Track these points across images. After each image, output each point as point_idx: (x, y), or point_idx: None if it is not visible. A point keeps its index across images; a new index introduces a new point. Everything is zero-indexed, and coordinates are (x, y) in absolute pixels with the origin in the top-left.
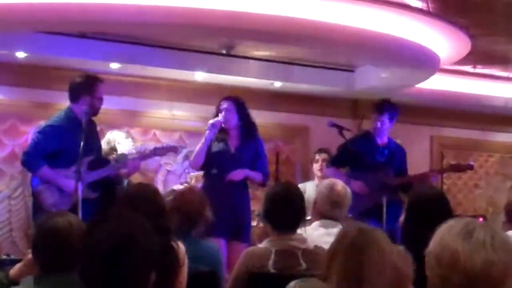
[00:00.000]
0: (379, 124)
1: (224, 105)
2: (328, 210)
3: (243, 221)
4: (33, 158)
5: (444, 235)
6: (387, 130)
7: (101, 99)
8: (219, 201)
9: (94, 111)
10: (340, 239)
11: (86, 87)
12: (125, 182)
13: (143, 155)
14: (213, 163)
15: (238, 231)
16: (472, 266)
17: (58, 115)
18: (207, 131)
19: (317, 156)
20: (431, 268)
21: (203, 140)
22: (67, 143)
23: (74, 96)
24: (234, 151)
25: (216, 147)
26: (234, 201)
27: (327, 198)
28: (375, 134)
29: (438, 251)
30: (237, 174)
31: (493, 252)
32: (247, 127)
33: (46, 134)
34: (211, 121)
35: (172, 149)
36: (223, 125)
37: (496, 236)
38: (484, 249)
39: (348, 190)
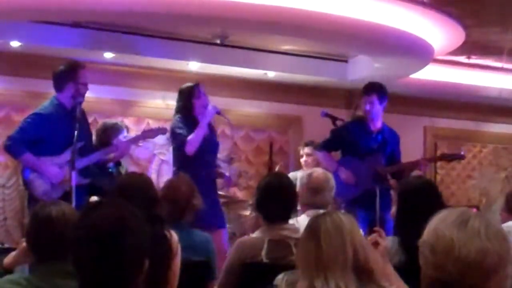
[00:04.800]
0: (368, 106)
1: (202, 89)
2: (308, 197)
3: (219, 207)
4: (16, 143)
5: (439, 224)
6: (380, 114)
7: (85, 85)
8: (204, 191)
9: (79, 97)
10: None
11: (69, 74)
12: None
13: (133, 138)
14: (204, 150)
15: (219, 218)
16: (466, 255)
17: (44, 104)
18: (209, 116)
19: (301, 151)
20: (425, 257)
21: (201, 125)
22: (52, 132)
23: (59, 85)
24: (208, 138)
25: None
26: (210, 189)
27: (306, 185)
28: (368, 119)
29: (432, 240)
30: None
31: (487, 241)
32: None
33: (31, 121)
34: (212, 108)
35: (161, 131)
36: (198, 111)
37: (490, 225)
38: (479, 238)
39: (330, 175)
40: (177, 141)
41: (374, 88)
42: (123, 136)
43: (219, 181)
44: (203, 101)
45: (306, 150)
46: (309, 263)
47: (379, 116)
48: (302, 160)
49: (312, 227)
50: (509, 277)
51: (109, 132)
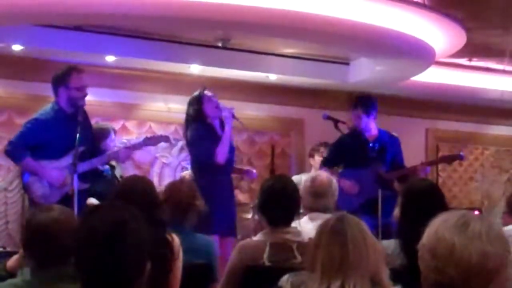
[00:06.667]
0: (355, 121)
1: (212, 94)
2: (311, 202)
3: (235, 216)
4: (16, 149)
5: (439, 227)
6: (371, 124)
7: (78, 89)
8: (225, 197)
9: (74, 102)
10: (322, 227)
11: (60, 79)
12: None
13: (135, 145)
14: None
15: (233, 226)
16: (468, 258)
17: (45, 109)
18: (230, 122)
19: (322, 149)
20: (425, 261)
21: (226, 133)
22: (52, 136)
23: (53, 90)
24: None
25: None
26: (233, 196)
27: (309, 189)
28: (361, 129)
29: (433, 243)
30: None
31: (489, 244)
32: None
33: (32, 127)
34: (230, 110)
35: (163, 139)
36: (215, 115)
37: (491, 228)
38: (480, 240)
39: (333, 180)
40: (203, 152)
41: (360, 103)
42: (111, 140)
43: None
44: (214, 104)
45: (322, 150)
46: (331, 267)
47: (370, 126)
48: (318, 160)
49: (336, 230)
50: (509, 279)
51: (96, 137)
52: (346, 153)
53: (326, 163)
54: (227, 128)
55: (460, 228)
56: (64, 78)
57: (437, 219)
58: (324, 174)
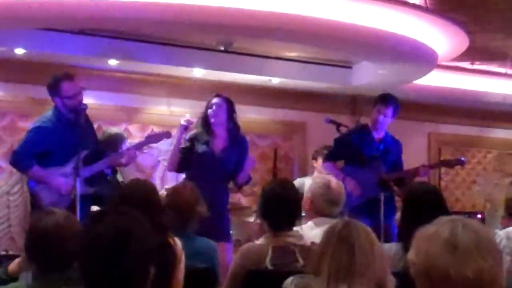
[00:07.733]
0: (382, 117)
1: (215, 100)
2: (325, 208)
3: (225, 221)
4: (22, 158)
5: (429, 248)
6: (386, 126)
7: (71, 98)
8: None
9: (71, 109)
10: (328, 233)
11: (52, 89)
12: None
13: (138, 144)
14: (196, 164)
15: (221, 231)
16: (464, 279)
17: (45, 115)
18: (178, 133)
19: (325, 152)
20: (421, 281)
21: (174, 142)
22: (56, 143)
23: (50, 97)
24: (219, 153)
25: (200, 148)
26: (215, 202)
27: (323, 196)
28: (373, 128)
29: (425, 266)
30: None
31: (482, 260)
32: (235, 130)
33: (34, 135)
34: (182, 122)
35: (165, 135)
36: (212, 121)
37: (481, 240)
38: (472, 259)
39: (343, 186)
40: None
41: (393, 102)
42: (125, 145)
43: None
44: (215, 112)
45: (326, 152)
46: (338, 272)
47: (384, 127)
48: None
49: (344, 236)
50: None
51: (113, 141)
52: (351, 149)
53: (330, 158)
54: (177, 136)
55: (451, 250)
56: (56, 88)
57: (422, 233)
58: (334, 180)
